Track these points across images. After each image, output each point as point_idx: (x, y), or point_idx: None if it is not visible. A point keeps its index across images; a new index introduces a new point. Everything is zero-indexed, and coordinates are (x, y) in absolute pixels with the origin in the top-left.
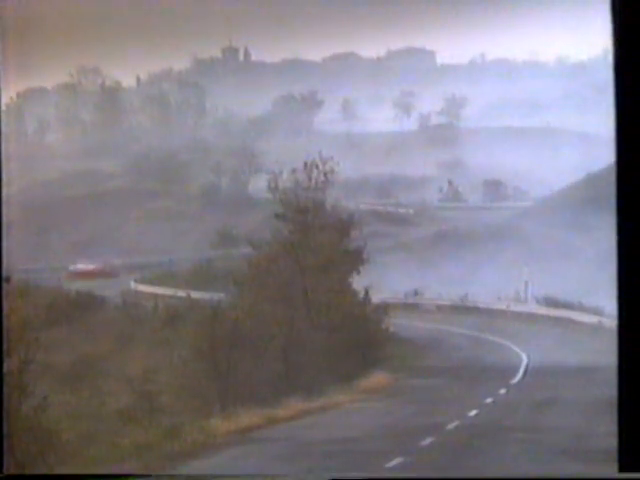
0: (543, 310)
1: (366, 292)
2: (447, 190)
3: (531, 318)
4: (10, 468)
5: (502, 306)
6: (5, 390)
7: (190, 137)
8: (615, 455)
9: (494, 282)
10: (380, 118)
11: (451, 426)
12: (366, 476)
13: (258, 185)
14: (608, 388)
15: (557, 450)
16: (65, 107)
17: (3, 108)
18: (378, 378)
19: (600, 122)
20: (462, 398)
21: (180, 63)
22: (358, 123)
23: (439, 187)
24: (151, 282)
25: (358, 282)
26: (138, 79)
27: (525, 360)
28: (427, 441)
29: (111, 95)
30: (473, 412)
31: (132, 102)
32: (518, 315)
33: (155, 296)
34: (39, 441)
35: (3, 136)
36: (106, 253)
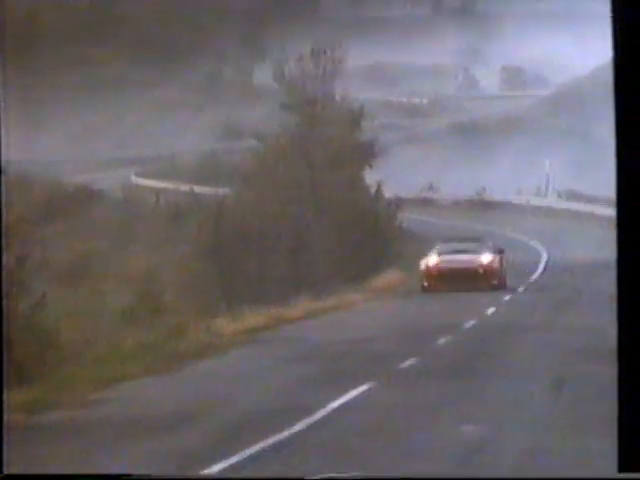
0: (564, 204)
1: (378, 187)
2: (463, 78)
3: (551, 212)
4: (9, 380)
5: (521, 200)
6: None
7: (189, 23)
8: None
9: (513, 175)
10: (391, 1)
11: (467, 325)
12: (366, 476)
13: (263, 74)
14: None
15: (573, 350)
16: None
17: None
18: (390, 277)
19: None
20: (479, 296)
21: None
22: (367, 8)
23: (454, 75)
24: (152, 176)
25: (370, 177)
26: None
27: (545, 256)
28: (442, 341)
29: None
30: (490, 310)
31: None
32: (538, 209)
33: (157, 191)
34: (38, 340)
35: None
36: (104, 145)
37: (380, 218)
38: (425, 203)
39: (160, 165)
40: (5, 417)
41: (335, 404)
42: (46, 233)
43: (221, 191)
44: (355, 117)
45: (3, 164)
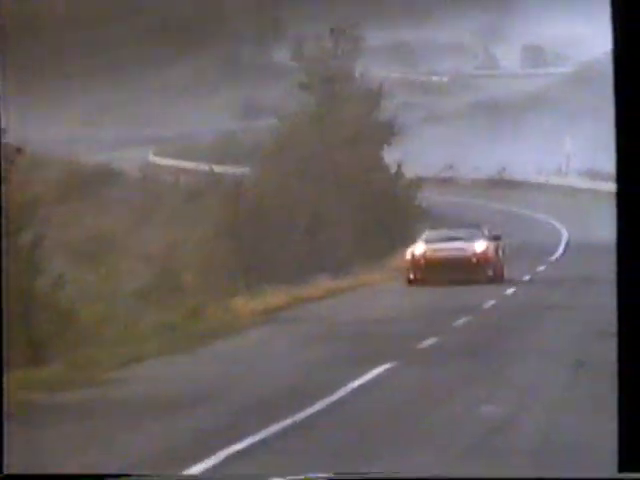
0: (585, 183)
1: (398, 167)
2: (483, 57)
3: (572, 192)
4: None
5: (541, 179)
6: (17, 267)
7: (207, 2)
8: None
9: (533, 154)
10: None
11: (487, 305)
12: (367, 476)
13: (282, 53)
14: None
15: (593, 330)
16: None
17: None
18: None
19: None
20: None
21: None
22: None
23: (474, 53)
24: (171, 155)
25: (389, 156)
26: None
27: (565, 236)
28: (461, 321)
29: None
30: (510, 291)
31: None
32: (558, 189)
33: (175, 170)
34: (56, 320)
35: None
36: (121, 125)
37: (400, 198)
38: (445, 183)
39: (178, 144)
40: (4, 412)
41: (355, 384)
42: (64, 212)
43: (240, 170)
44: (374, 96)
45: (19, 143)
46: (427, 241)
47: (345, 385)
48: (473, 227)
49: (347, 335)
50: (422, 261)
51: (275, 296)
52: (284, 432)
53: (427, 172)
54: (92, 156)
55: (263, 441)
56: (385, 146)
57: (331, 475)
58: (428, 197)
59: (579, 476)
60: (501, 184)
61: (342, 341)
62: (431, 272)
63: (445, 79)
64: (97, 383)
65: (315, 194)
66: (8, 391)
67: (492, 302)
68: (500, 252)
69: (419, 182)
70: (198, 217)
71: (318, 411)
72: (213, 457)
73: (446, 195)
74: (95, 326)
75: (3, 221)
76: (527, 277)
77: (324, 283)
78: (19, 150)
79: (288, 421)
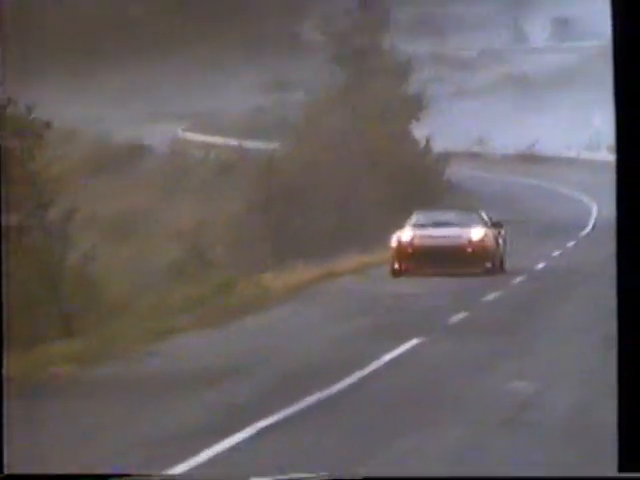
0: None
1: (427, 141)
2: (512, 30)
3: (603, 166)
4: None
5: (572, 154)
6: (48, 241)
7: None
8: None
9: (563, 129)
10: None
11: (516, 280)
12: (367, 476)
13: (311, 27)
14: None
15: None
16: None
17: None
18: None
19: None
20: (529, 251)
21: None
22: None
23: (503, 27)
24: (200, 131)
25: (418, 131)
26: None
27: (595, 211)
28: (492, 296)
29: None
30: (540, 265)
31: None
32: (589, 163)
33: (205, 145)
34: (87, 293)
35: None
36: (151, 101)
37: (428, 172)
38: (474, 157)
39: (208, 120)
40: (6, 405)
41: (386, 358)
42: (95, 187)
43: (270, 145)
44: (403, 70)
45: (47, 118)
46: (416, 226)
47: (376, 359)
48: (470, 211)
49: (378, 309)
50: (409, 249)
51: (305, 271)
52: (314, 407)
53: (456, 147)
54: (122, 132)
55: (290, 418)
56: (414, 121)
57: (322, 475)
58: (457, 172)
59: (579, 476)
60: (531, 159)
61: (373, 315)
62: (419, 262)
63: (474, 53)
64: (127, 357)
65: (345, 169)
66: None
67: (542, 264)
68: (500, 241)
69: (448, 156)
70: (228, 192)
71: (349, 385)
72: (243, 431)
73: (475, 170)
74: (125, 300)
75: (34, 194)
76: (557, 252)
77: (354, 257)
78: (48, 125)
79: (318, 396)
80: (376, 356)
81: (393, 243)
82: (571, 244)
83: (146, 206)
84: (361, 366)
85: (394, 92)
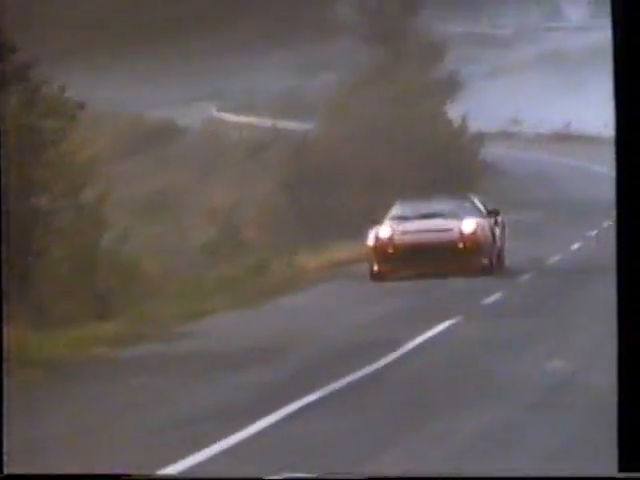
0: None
1: (462, 121)
2: (548, 7)
3: None
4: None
5: (610, 133)
6: (82, 222)
7: None
8: None
9: (601, 107)
10: None
11: (552, 260)
12: (367, 476)
13: (345, 7)
14: None
15: None
16: None
17: None
18: None
19: None
20: (564, 232)
21: None
22: None
23: (538, 3)
24: (234, 111)
25: (452, 111)
26: None
27: None
28: (526, 276)
29: None
30: (575, 246)
31: None
32: None
33: (239, 126)
34: (121, 274)
35: None
36: (184, 81)
37: (463, 152)
38: (510, 137)
39: (241, 100)
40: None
41: (420, 339)
42: (128, 168)
43: (303, 126)
44: (437, 50)
45: (81, 100)
46: (396, 218)
47: (411, 340)
48: (460, 198)
49: (411, 290)
50: (389, 248)
51: (338, 252)
52: (348, 388)
53: (491, 127)
54: (156, 113)
55: (324, 398)
56: (449, 101)
57: (316, 475)
58: (493, 152)
59: (579, 475)
60: (567, 138)
61: (406, 296)
62: (402, 262)
63: (509, 32)
64: (161, 338)
65: (378, 149)
66: (73, 347)
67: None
68: (498, 232)
69: (483, 136)
70: (262, 173)
71: (384, 366)
72: (278, 412)
73: (511, 149)
74: (159, 281)
75: (67, 176)
76: (593, 232)
77: None
78: (81, 105)
79: (352, 377)
80: (409, 338)
81: (370, 242)
82: (606, 224)
83: (180, 187)
84: (395, 347)
85: (428, 72)
